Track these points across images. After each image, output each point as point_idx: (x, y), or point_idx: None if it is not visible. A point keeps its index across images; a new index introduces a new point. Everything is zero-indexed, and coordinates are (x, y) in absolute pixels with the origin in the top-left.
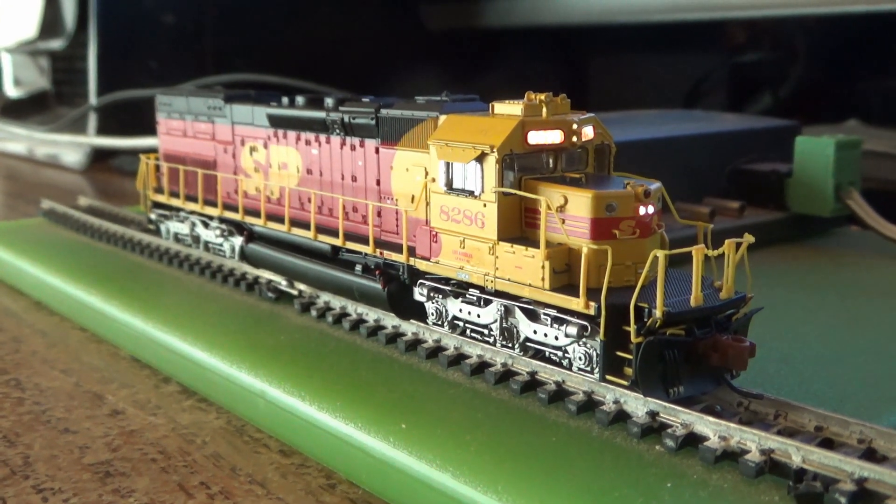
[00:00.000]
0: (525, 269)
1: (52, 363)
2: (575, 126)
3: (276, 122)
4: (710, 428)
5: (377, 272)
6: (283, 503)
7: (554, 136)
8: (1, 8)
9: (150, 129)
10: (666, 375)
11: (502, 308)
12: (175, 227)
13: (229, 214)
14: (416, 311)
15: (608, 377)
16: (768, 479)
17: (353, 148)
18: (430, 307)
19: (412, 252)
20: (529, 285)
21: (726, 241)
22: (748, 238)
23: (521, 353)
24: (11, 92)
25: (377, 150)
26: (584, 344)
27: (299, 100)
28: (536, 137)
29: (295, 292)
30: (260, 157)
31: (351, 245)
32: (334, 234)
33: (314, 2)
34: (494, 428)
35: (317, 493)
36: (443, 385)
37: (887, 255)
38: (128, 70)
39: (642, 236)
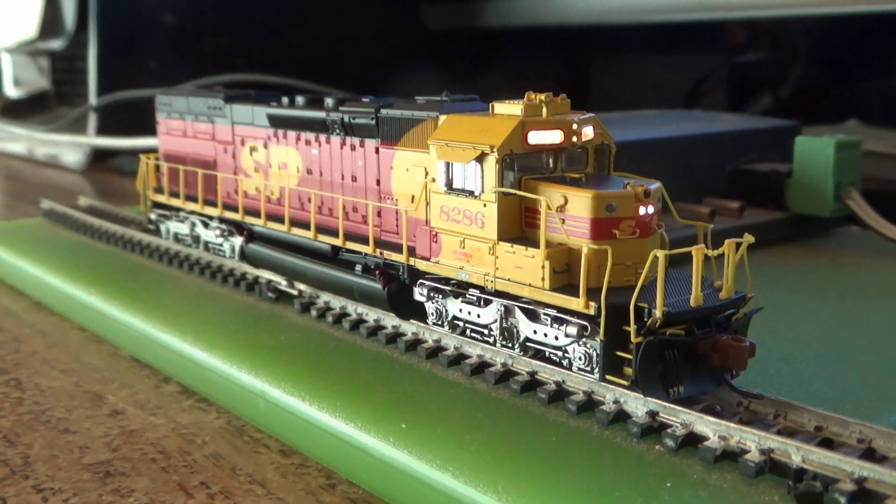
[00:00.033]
0: (525, 269)
1: (52, 363)
2: (575, 126)
3: (276, 122)
4: (709, 428)
5: (377, 272)
6: (283, 503)
7: (554, 136)
8: (1, 8)
9: (150, 130)
10: (666, 375)
11: (502, 308)
12: (175, 227)
13: (229, 214)
14: (416, 311)
15: (608, 377)
16: (768, 478)
17: (353, 148)
18: (430, 307)
19: (412, 252)
20: (529, 285)
21: (726, 241)
22: (748, 238)
23: (521, 353)
24: (11, 92)
25: (377, 150)
26: (584, 344)
27: (299, 100)
28: (536, 137)
29: (295, 292)
30: (260, 157)
31: (351, 245)
32: (334, 234)
33: (314, 2)
34: (494, 428)
35: (317, 492)
36: (443, 385)
37: (887, 256)
38: (128, 70)
39: (642, 236)
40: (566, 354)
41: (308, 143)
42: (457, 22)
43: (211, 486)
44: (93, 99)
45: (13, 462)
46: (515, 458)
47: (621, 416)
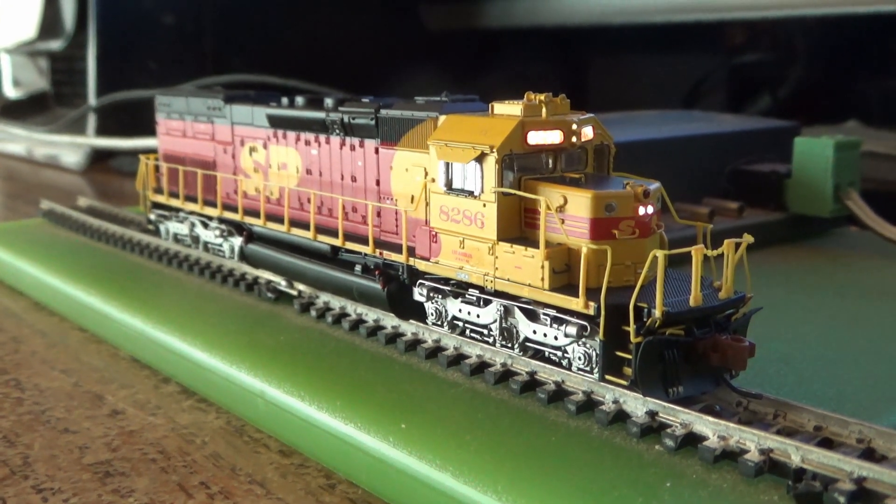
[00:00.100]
0: (524, 269)
1: (52, 363)
2: (574, 126)
3: (276, 123)
4: (709, 427)
5: (377, 272)
6: (283, 503)
7: (553, 137)
8: (0, 8)
9: (149, 130)
10: (665, 375)
11: (502, 308)
12: (174, 227)
13: (229, 215)
14: (416, 312)
15: (608, 377)
16: (767, 478)
17: (352, 148)
18: (429, 307)
19: (412, 252)
20: (529, 285)
21: (725, 242)
22: (747, 238)
23: (521, 353)
24: (11, 93)
25: (377, 151)
26: (584, 344)
27: (299, 100)
28: (536, 138)
29: (294, 292)
30: (259, 157)
31: (350, 245)
32: (334, 234)
33: (314, 2)
34: (494, 428)
35: (316, 493)
36: (442, 385)
37: (886, 256)
38: (127, 71)
39: (642, 236)
40: (566, 354)
41: (308, 143)
42: (457, 22)
43: (211, 487)
44: (92, 99)
45: (13, 462)
46: (515, 458)
47: (621, 416)
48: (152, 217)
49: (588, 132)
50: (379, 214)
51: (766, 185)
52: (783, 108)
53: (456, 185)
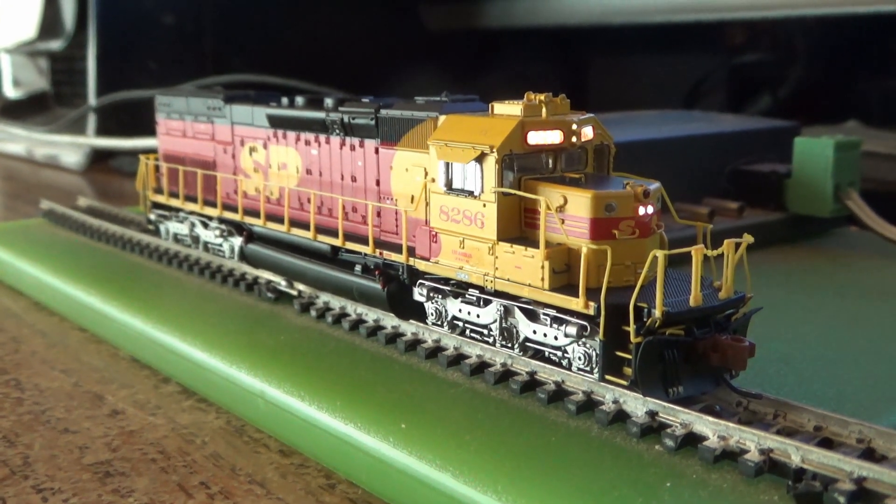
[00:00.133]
0: (524, 269)
1: (52, 363)
2: (574, 126)
3: (276, 123)
4: (709, 428)
5: (377, 272)
6: (283, 503)
7: (553, 137)
8: (0, 8)
9: (149, 130)
10: (665, 375)
11: (502, 308)
12: (174, 227)
13: (229, 215)
14: (416, 312)
15: (608, 377)
16: (767, 478)
17: (352, 148)
18: (429, 307)
19: (412, 252)
20: (529, 285)
21: (725, 242)
22: (747, 238)
23: (521, 353)
24: (11, 93)
25: (377, 151)
26: (584, 344)
27: (299, 100)
28: (536, 138)
29: (294, 292)
30: (259, 157)
31: (350, 245)
32: (334, 234)
33: (314, 2)
34: (494, 428)
35: (316, 493)
36: (442, 385)
37: (886, 256)
38: (127, 71)
39: (642, 236)
40: (566, 354)
41: (308, 143)
42: (457, 22)
43: (211, 487)
44: (92, 99)
45: (13, 462)
46: (515, 458)
47: (621, 416)
48: (152, 217)
49: (588, 132)
50: (379, 214)
51: (766, 185)
52: (783, 108)
53: (456, 185)
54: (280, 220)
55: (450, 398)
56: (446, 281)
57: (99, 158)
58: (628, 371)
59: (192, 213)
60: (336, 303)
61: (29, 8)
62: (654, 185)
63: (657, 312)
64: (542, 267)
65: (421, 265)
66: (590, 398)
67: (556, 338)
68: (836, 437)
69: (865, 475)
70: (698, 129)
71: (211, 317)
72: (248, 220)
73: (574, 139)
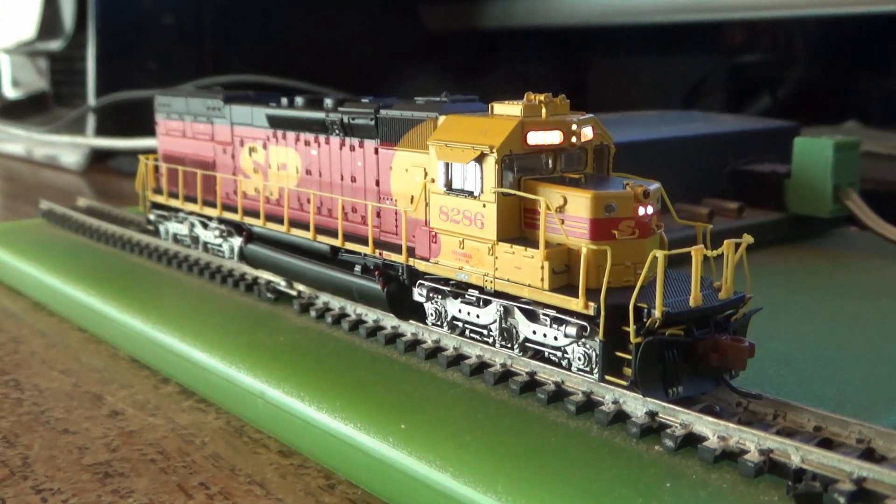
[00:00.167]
0: (524, 269)
1: (52, 364)
2: (574, 127)
3: (276, 123)
4: (709, 428)
5: (376, 273)
6: None
7: (553, 137)
8: (0, 9)
9: (148, 130)
10: (665, 376)
11: (501, 308)
12: (174, 227)
13: (228, 215)
14: (416, 312)
15: (607, 377)
16: (767, 478)
17: (352, 148)
18: (429, 308)
19: (411, 252)
20: (529, 286)
21: (725, 242)
22: (747, 238)
23: (521, 354)
24: (10, 93)
25: (376, 151)
26: (584, 344)
27: (298, 100)
28: (536, 138)
29: (294, 293)
30: (259, 157)
31: (350, 246)
32: (333, 234)
33: (314, 2)
34: (494, 428)
35: (316, 493)
36: (442, 385)
37: (886, 256)
38: (127, 71)
39: (641, 237)
40: (565, 355)
41: (307, 143)
42: (456, 22)
43: (210, 487)
44: (91, 100)
45: (12, 463)
46: (515, 459)
47: (621, 417)
48: (152, 217)
49: (588, 132)
50: (378, 215)
51: (766, 186)
52: (783, 108)
53: (456, 185)
54: (280, 221)
55: (449, 398)
56: (446, 281)
57: (98, 159)
58: (628, 371)
59: (191, 213)
60: (336, 303)
61: (28, 8)
62: (654, 186)
63: (657, 313)
64: (542, 267)
65: (421, 265)
66: (589, 398)
67: (555, 338)
68: (836, 437)
69: (865, 475)
70: (698, 129)
71: (210, 317)
72: (248, 220)
73: (574, 139)
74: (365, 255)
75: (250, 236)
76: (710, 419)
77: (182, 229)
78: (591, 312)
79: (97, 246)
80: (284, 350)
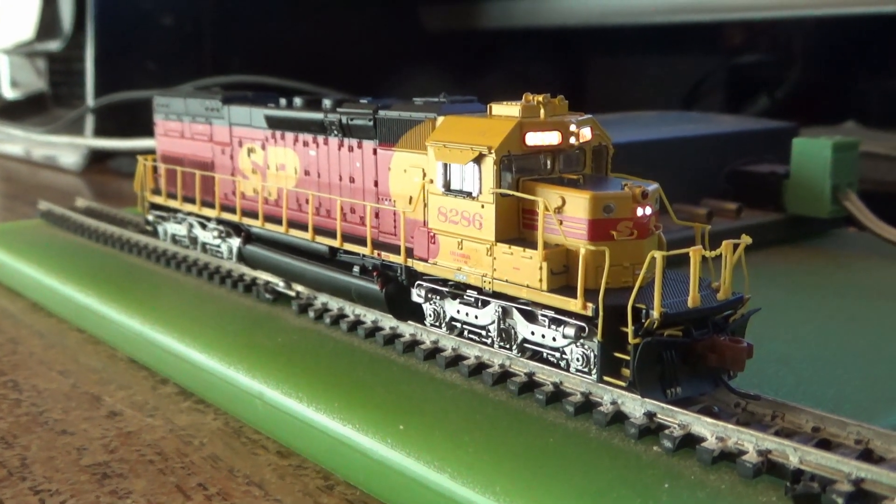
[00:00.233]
0: (523, 270)
1: (50, 364)
2: (573, 127)
3: (274, 124)
4: (707, 429)
5: (375, 273)
6: None
7: (552, 138)
8: None
9: (147, 131)
10: (663, 376)
11: (500, 309)
12: (173, 228)
13: (227, 216)
14: (414, 313)
15: (606, 378)
16: (766, 479)
17: (350, 149)
18: (427, 308)
19: (410, 253)
20: (527, 286)
21: (724, 243)
22: (745, 239)
23: (519, 355)
24: (9, 93)
25: (375, 152)
26: (582, 345)
27: (297, 101)
28: (534, 139)
29: (293, 293)
30: (258, 158)
31: (349, 246)
32: (332, 235)
33: (313, 2)
34: (492, 429)
35: (315, 494)
36: (441, 386)
37: (884, 257)
38: (125, 71)
39: (640, 237)
40: (564, 355)
41: (306, 144)
42: (455, 23)
43: (209, 488)
44: (90, 100)
45: (10, 464)
46: (513, 459)
47: (619, 417)
48: (150, 218)
49: (586, 133)
50: (377, 215)
51: (765, 186)
52: (782, 108)
53: (454, 186)
54: (278, 221)
55: (448, 399)
56: (444, 282)
57: (97, 159)
58: (626, 372)
59: (190, 214)
60: (334, 304)
61: (27, 8)
62: (653, 186)
63: (655, 313)
64: (541, 268)
65: (419, 266)
66: (588, 399)
67: (554, 339)
68: (835, 438)
69: (864, 476)
70: (697, 129)
71: (209, 318)
72: (247, 221)
73: (572, 140)
74: (363, 255)
75: (249, 237)
76: (709, 420)
77: (181, 230)
78: (589, 313)
79: (96, 247)
80: (283, 351)
